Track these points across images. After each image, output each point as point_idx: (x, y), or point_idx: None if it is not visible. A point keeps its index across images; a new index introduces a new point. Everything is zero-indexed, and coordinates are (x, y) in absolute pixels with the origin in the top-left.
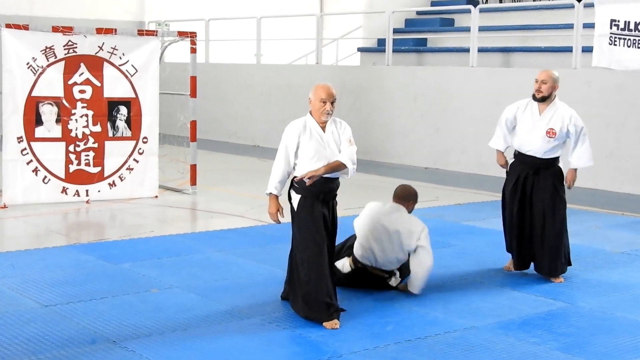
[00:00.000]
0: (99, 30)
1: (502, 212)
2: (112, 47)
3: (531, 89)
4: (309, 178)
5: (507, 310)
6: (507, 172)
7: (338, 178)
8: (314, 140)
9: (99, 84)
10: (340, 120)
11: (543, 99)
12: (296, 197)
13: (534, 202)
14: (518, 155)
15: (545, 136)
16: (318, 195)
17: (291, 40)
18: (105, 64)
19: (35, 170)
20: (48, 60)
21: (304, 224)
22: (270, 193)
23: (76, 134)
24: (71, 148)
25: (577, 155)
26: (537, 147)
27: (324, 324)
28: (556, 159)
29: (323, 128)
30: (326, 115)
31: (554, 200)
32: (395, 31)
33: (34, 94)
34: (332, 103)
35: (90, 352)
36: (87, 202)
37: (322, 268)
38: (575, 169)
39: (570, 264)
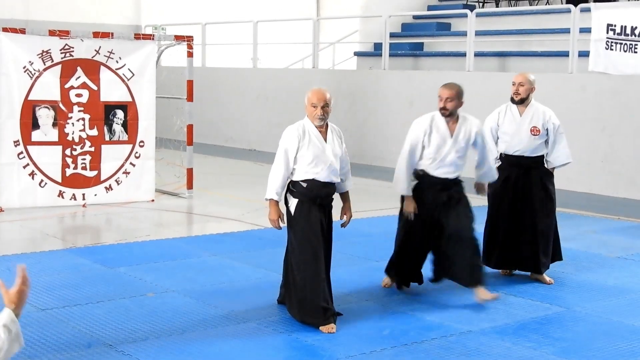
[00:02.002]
0: (96, 34)
1: (488, 214)
2: (108, 51)
3: None
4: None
5: (503, 315)
6: None
7: (335, 183)
8: (314, 145)
9: (95, 88)
10: (338, 129)
11: (522, 101)
12: (293, 201)
13: (527, 201)
14: (505, 157)
15: (530, 135)
16: (315, 200)
17: (288, 44)
18: (102, 68)
19: (32, 174)
20: (45, 64)
21: (300, 228)
22: (271, 199)
23: (73, 137)
24: (68, 152)
25: (556, 154)
26: (524, 146)
27: (321, 328)
28: (542, 157)
29: (321, 132)
30: (318, 120)
31: (545, 199)
32: (392, 35)
33: (30, 97)
34: (322, 107)
35: (86, 356)
36: (84, 205)
37: (318, 272)
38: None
39: (561, 259)
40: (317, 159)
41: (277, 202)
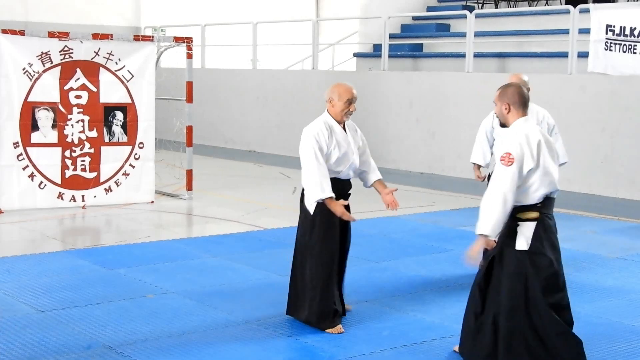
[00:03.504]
0: (95, 36)
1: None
2: (108, 53)
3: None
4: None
5: None
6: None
7: (350, 179)
8: (340, 143)
9: (95, 90)
10: (352, 123)
11: None
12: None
13: None
14: None
15: None
16: (335, 198)
17: (287, 45)
18: (101, 70)
19: (31, 176)
20: (44, 66)
21: (321, 229)
22: (328, 198)
23: (72, 139)
24: (67, 153)
25: None
26: None
27: (329, 330)
28: None
29: (343, 129)
30: (349, 116)
31: None
32: (391, 36)
33: (30, 99)
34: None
35: (86, 358)
36: (83, 207)
37: (332, 275)
38: None
39: None
40: (344, 156)
41: (332, 198)
